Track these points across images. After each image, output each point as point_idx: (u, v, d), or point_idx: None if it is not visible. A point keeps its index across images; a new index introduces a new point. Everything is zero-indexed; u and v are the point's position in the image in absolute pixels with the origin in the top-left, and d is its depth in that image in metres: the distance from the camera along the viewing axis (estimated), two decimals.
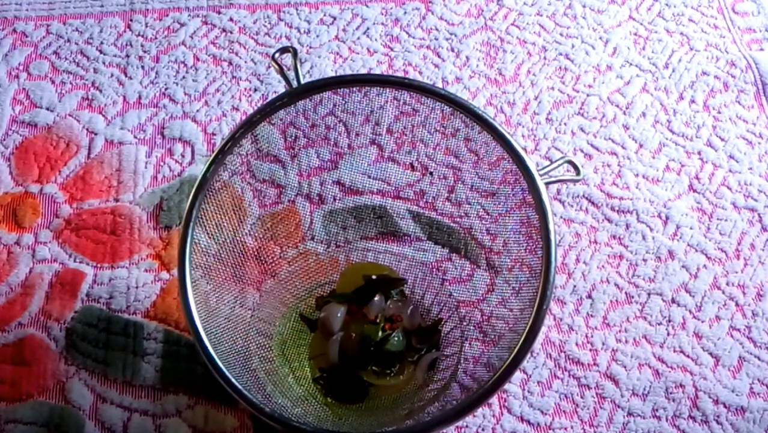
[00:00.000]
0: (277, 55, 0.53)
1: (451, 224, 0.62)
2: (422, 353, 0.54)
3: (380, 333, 0.53)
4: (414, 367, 0.54)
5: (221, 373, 0.46)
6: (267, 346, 0.55)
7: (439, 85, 0.71)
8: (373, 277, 0.56)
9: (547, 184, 0.49)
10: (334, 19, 0.75)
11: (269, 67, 0.71)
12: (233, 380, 0.46)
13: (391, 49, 0.73)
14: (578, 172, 0.53)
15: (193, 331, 0.46)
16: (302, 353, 0.56)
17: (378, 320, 0.54)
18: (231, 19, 0.74)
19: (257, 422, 0.55)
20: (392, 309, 0.55)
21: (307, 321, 0.56)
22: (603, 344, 0.59)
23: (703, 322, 0.61)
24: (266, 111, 0.51)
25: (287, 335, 0.57)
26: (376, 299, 0.55)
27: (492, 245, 0.61)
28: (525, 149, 0.68)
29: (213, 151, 0.52)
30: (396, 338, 0.53)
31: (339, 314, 0.55)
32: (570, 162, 0.53)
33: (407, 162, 0.64)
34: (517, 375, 0.58)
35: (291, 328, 0.57)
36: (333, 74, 0.71)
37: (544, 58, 0.74)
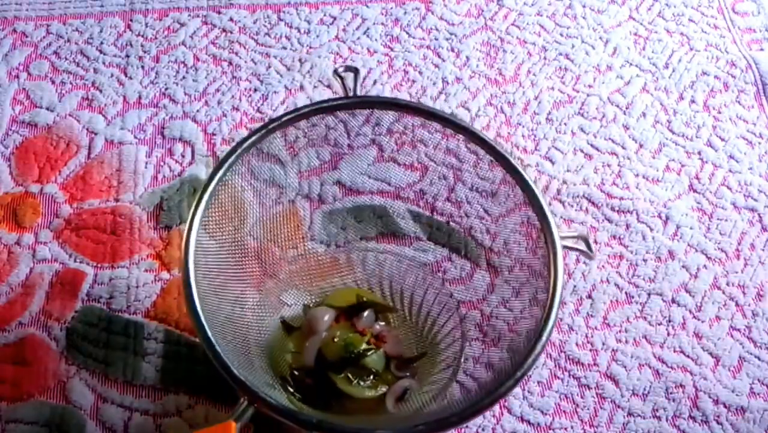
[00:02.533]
0: (341, 70, 0.55)
1: (452, 224, 0.62)
2: (398, 379, 0.54)
3: (364, 345, 0.53)
4: (387, 389, 0.53)
5: (220, 360, 0.44)
6: (267, 346, 0.55)
7: (439, 85, 0.71)
8: (365, 299, 0.56)
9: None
10: (334, 19, 0.75)
11: (269, 67, 0.71)
12: (233, 368, 0.44)
13: (391, 49, 0.73)
14: (591, 250, 0.51)
15: (196, 321, 0.45)
16: None
17: (365, 333, 0.54)
18: (231, 19, 0.74)
19: (258, 422, 0.55)
20: (379, 330, 0.55)
21: (286, 325, 0.56)
22: (603, 344, 0.59)
23: (703, 322, 0.61)
24: (323, 108, 0.53)
25: (285, 336, 0.56)
26: (366, 313, 0.55)
27: (492, 245, 0.61)
28: (525, 149, 0.68)
29: (231, 146, 0.53)
30: (377, 356, 0.53)
31: (327, 317, 0.55)
32: (584, 239, 0.51)
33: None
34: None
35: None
36: (333, 74, 0.71)
37: (544, 58, 0.74)
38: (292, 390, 0.53)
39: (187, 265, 0.47)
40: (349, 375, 0.53)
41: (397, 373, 0.54)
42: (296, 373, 0.53)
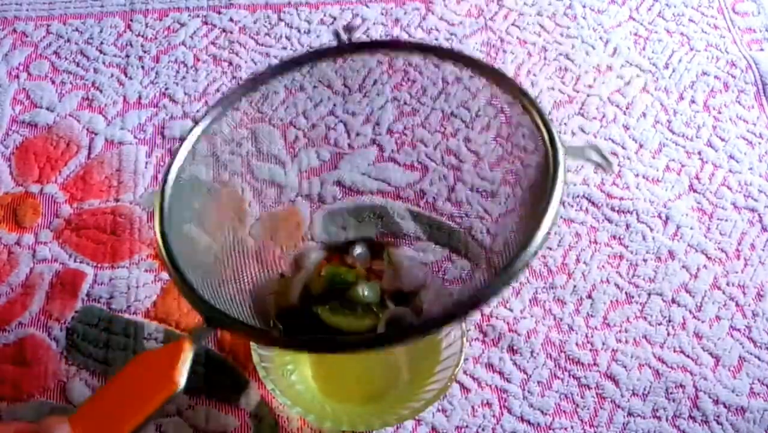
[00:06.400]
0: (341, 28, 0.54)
1: (452, 224, 0.62)
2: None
3: (352, 277, 0.50)
4: (378, 319, 0.50)
5: (180, 272, 0.42)
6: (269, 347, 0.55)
7: (439, 85, 0.71)
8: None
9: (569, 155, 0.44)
10: (334, 19, 0.75)
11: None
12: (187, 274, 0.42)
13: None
14: (606, 159, 0.45)
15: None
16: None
17: (354, 267, 0.51)
18: (231, 19, 0.74)
19: (258, 422, 0.55)
20: (377, 266, 0.52)
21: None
22: (603, 344, 0.59)
23: (703, 322, 0.61)
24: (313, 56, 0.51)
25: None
26: (359, 249, 0.52)
27: (492, 245, 0.61)
28: (525, 149, 0.68)
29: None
30: (369, 288, 0.50)
31: (314, 255, 0.51)
32: (594, 148, 0.45)
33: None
34: (517, 375, 0.58)
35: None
36: (334, 75, 0.71)
37: (544, 58, 0.74)
38: (275, 326, 0.50)
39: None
40: (334, 307, 0.49)
41: (393, 306, 0.51)
42: (280, 310, 0.50)
